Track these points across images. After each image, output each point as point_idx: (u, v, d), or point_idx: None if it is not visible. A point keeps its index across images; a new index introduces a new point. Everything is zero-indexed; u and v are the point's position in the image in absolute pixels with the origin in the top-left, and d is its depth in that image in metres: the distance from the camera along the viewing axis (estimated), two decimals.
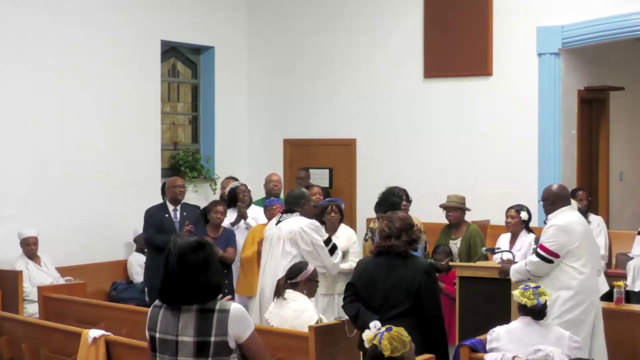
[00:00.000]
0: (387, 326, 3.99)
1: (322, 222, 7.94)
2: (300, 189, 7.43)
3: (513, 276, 6.19)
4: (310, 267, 6.18)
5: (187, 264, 3.76)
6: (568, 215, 6.09)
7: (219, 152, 11.34)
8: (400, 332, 3.98)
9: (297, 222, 6.96)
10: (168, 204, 8.43)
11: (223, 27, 11.35)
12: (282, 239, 6.90)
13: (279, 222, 7.07)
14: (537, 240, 6.71)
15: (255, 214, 8.68)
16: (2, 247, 8.63)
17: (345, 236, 7.81)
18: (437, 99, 10.36)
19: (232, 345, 3.75)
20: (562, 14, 9.54)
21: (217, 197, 9.74)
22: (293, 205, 7.14)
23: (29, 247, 8.56)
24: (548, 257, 5.98)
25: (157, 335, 3.84)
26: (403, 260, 5.36)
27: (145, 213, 8.43)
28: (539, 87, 9.72)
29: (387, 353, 3.89)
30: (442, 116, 10.32)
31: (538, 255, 6.04)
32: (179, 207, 8.42)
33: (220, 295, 3.88)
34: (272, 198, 8.70)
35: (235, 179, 9.48)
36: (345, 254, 7.55)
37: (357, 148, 10.98)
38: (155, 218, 8.32)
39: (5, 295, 7.94)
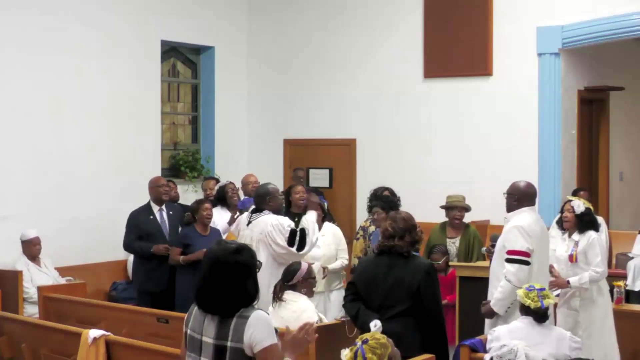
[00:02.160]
0: (362, 339, 3.92)
1: None
2: (265, 187, 7.27)
3: (500, 308, 5.85)
4: (304, 266, 6.17)
5: (218, 272, 3.63)
6: (527, 216, 5.93)
7: (219, 152, 11.34)
8: (375, 337, 3.90)
9: (266, 220, 6.91)
10: (152, 204, 8.32)
11: (223, 27, 11.36)
12: (254, 240, 6.87)
13: (249, 222, 7.05)
14: (493, 238, 6.54)
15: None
16: (2, 248, 8.62)
17: (330, 234, 7.79)
18: (437, 99, 10.36)
19: (248, 353, 3.58)
20: (562, 14, 9.54)
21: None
22: (260, 203, 7.07)
23: (35, 247, 8.54)
24: (524, 259, 5.77)
25: (189, 331, 3.75)
26: (404, 260, 5.36)
27: (129, 216, 8.33)
28: (539, 87, 9.72)
29: None
30: (442, 116, 10.32)
31: (512, 261, 5.77)
32: (164, 207, 8.34)
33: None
34: (245, 199, 8.57)
35: (217, 180, 9.47)
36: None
37: (357, 148, 10.97)
38: (138, 221, 8.21)
39: (5, 296, 7.94)
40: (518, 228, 5.84)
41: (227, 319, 3.61)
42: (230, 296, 3.60)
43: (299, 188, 8.65)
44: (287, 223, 6.94)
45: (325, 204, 8.05)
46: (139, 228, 8.19)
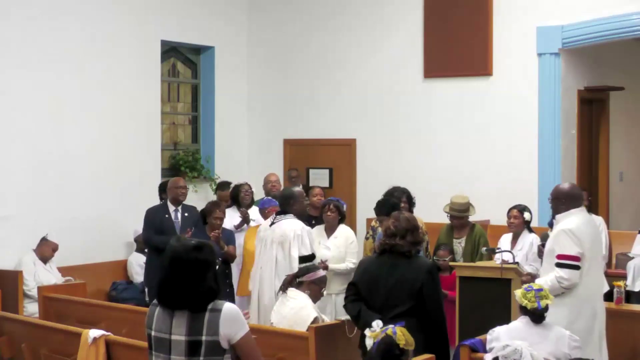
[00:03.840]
0: (396, 323, 4.10)
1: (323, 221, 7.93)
2: (291, 189, 7.32)
3: None
4: (321, 272, 6.19)
5: (179, 268, 3.73)
6: (576, 219, 5.83)
7: (218, 152, 11.34)
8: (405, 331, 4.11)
9: (289, 226, 6.92)
10: (169, 204, 8.39)
11: (223, 27, 11.36)
12: (275, 242, 6.87)
13: (272, 223, 7.05)
14: (544, 237, 6.49)
15: (257, 214, 8.65)
16: (2, 247, 8.62)
17: (343, 237, 7.78)
18: (437, 99, 10.37)
19: (224, 345, 3.71)
20: (562, 14, 9.55)
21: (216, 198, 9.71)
22: (284, 206, 7.11)
23: (52, 252, 8.63)
24: (574, 263, 5.69)
25: (153, 333, 3.83)
26: (406, 259, 5.36)
27: (146, 213, 8.41)
28: (539, 87, 9.73)
29: (402, 343, 4.04)
30: (442, 116, 10.32)
31: (563, 265, 5.68)
32: (180, 208, 8.39)
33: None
34: (266, 198, 8.61)
35: (229, 183, 9.50)
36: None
37: (357, 148, 10.98)
38: (155, 218, 8.29)
39: (5, 295, 7.94)
40: (567, 232, 5.74)
41: (198, 314, 3.71)
42: (194, 291, 3.70)
43: (316, 190, 8.72)
44: (308, 240, 6.94)
45: (344, 206, 8.04)
46: (155, 224, 8.23)
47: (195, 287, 3.70)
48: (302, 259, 6.86)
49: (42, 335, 6.27)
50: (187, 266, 3.73)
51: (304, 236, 6.92)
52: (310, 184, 10.44)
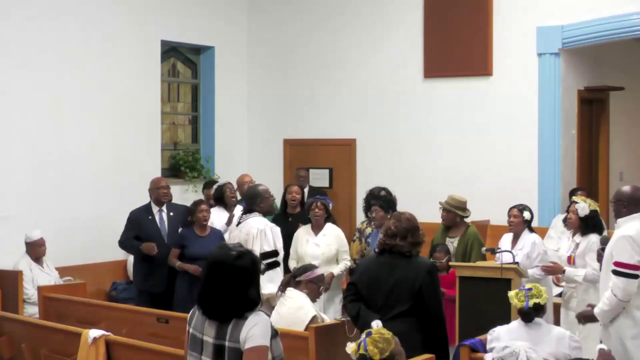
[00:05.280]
0: (367, 331, 3.93)
1: (309, 220, 7.93)
2: (256, 188, 7.33)
3: (605, 317, 5.39)
4: (318, 271, 6.19)
5: (217, 275, 3.61)
6: (638, 224, 5.44)
7: (218, 152, 11.34)
8: (380, 331, 3.93)
9: (253, 224, 6.98)
10: (152, 205, 8.33)
11: (223, 27, 11.36)
12: (242, 241, 6.87)
13: (239, 223, 7.08)
14: (604, 241, 6.17)
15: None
16: (2, 248, 8.62)
17: (332, 234, 7.80)
18: (437, 99, 10.37)
19: None
20: (562, 14, 9.55)
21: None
22: (251, 205, 7.15)
23: (40, 248, 8.53)
24: (631, 272, 5.28)
25: (191, 330, 3.76)
26: (405, 259, 5.36)
27: (129, 214, 8.37)
28: (539, 87, 9.73)
29: (377, 357, 3.83)
30: (442, 116, 10.32)
31: (619, 274, 5.30)
32: (164, 208, 8.33)
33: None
34: None
35: (215, 182, 9.51)
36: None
37: (357, 148, 10.98)
38: (137, 220, 8.24)
39: (5, 296, 7.94)
40: (627, 238, 5.37)
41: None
42: (230, 301, 3.58)
43: (293, 188, 8.68)
44: (271, 237, 6.98)
45: (330, 205, 8.05)
46: (137, 227, 8.20)
47: (233, 297, 3.56)
48: (265, 255, 6.88)
49: (42, 335, 6.27)
50: (225, 274, 3.59)
51: (267, 231, 6.97)
52: (311, 184, 10.44)
